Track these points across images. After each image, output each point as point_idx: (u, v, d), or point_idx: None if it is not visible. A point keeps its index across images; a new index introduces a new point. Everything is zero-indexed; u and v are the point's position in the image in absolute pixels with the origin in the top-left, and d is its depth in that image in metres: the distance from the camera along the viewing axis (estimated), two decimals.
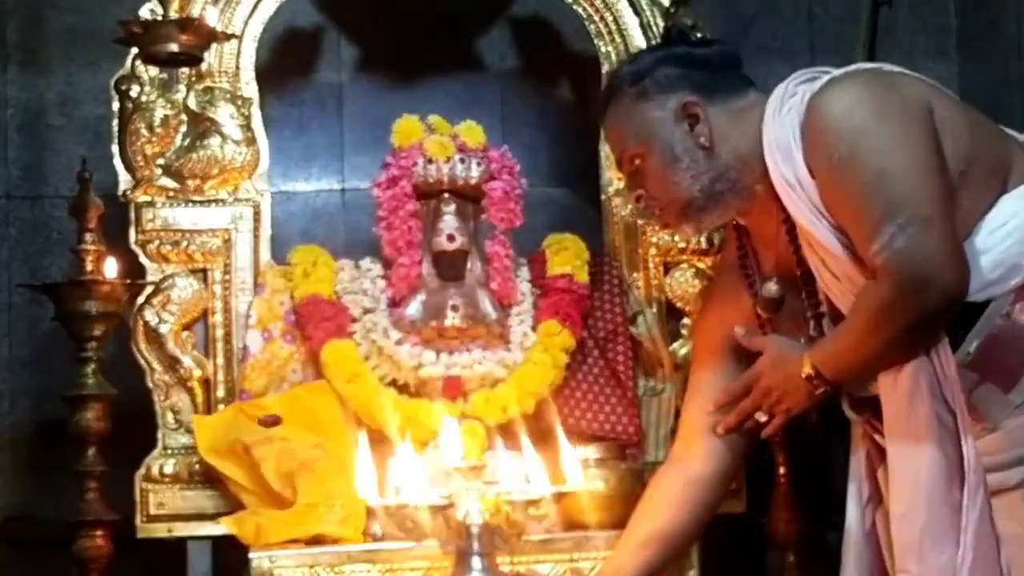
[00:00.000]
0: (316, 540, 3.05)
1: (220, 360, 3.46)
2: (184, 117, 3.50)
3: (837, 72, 2.51)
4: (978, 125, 2.47)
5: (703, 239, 3.61)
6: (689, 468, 2.83)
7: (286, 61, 3.92)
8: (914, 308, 2.32)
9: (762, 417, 2.65)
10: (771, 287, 2.67)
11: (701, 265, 3.62)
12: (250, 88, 3.56)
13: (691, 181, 2.61)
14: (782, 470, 3.55)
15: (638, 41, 3.66)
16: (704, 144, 2.59)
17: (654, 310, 3.57)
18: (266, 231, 3.54)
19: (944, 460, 2.37)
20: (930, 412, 2.38)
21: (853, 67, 2.55)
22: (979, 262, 2.35)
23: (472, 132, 3.44)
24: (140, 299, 3.43)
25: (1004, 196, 2.40)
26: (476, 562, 2.57)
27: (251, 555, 2.95)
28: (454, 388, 3.33)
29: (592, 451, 3.13)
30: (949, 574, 2.35)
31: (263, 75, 3.65)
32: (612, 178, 3.63)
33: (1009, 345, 2.35)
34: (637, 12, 3.68)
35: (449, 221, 3.39)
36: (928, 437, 2.38)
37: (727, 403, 2.69)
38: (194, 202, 3.49)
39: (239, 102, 3.52)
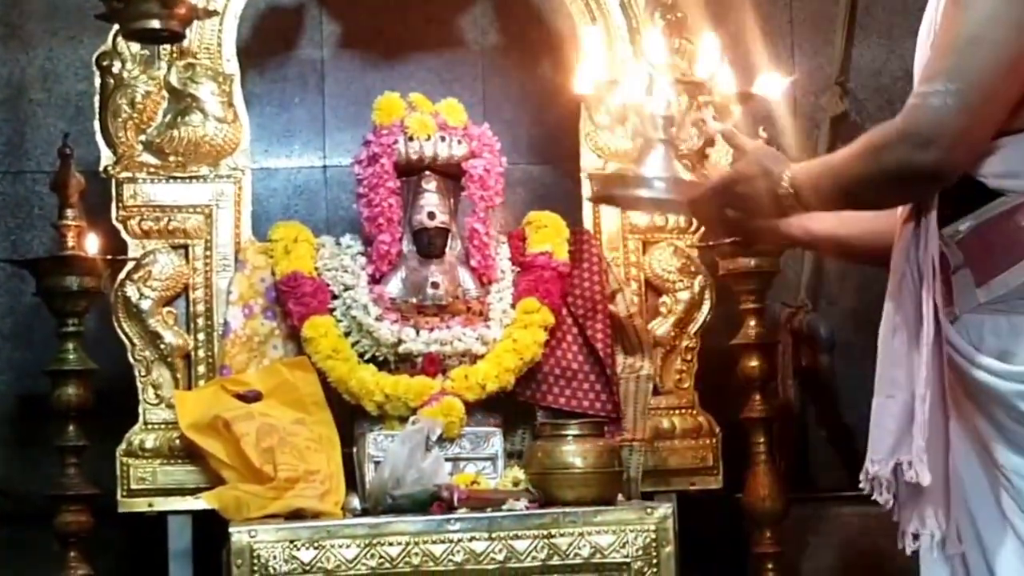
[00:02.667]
0: (296, 515, 3.06)
1: (201, 336, 3.47)
2: (166, 94, 3.51)
3: None
4: None
5: (681, 218, 3.62)
6: None
7: (267, 38, 3.92)
8: (903, 157, 2.31)
9: (733, 214, 2.63)
10: None
11: (680, 243, 3.64)
12: (231, 65, 3.56)
13: None
14: (759, 447, 3.58)
15: (618, 20, 3.67)
16: None
17: (633, 288, 3.59)
18: (247, 207, 3.55)
19: (897, 310, 2.42)
20: (902, 262, 2.42)
21: None
22: (1010, 152, 2.35)
23: (453, 110, 3.46)
24: (121, 275, 3.44)
25: None
26: (660, 148, 2.69)
27: (231, 530, 2.95)
28: (434, 364, 3.35)
29: (570, 428, 3.14)
30: (876, 415, 2.41)
31: (245, 52, 3.67)
32: (592, 155, 3.65)
33: (997, 243, 2.35)
34: None
35: (430, 198, 3.41)
36: (895, 287, 2.44)
37: (705, 202, 2.64)
38: (175, 178, 3.50)
39: (221, 79, 3.53)
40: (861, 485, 2.42)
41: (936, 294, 2.37)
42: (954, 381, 2.38)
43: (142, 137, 3.49)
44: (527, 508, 3.05)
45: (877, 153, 2.35)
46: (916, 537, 2.38)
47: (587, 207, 3.64)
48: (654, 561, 3.01)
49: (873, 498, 2.41)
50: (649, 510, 3.04)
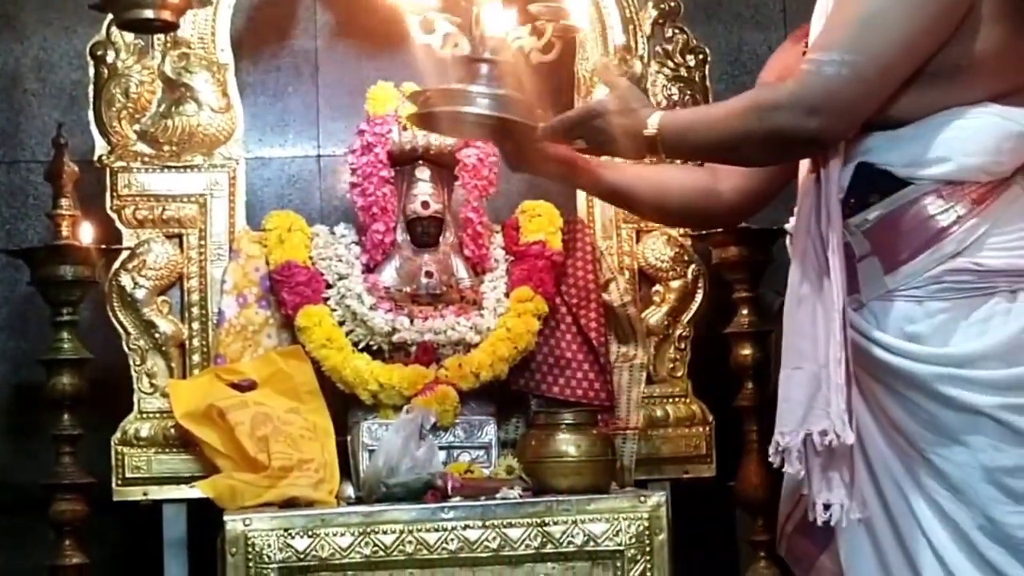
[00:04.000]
0: (290, 503, 3.07)
1: (195, 325, 3.48)
2: (160, 83, 3.51)
3: None
4: (1021, 44, 2.44)
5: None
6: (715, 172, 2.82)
7: (261, 27, 3.90)
8: (788, 121, 2.38)
9: (580, 145, 2.68)
10: None
11: (673, 232, 3.64)
12: (225, 54, 3.57)
13: None
14: (752, 435, 3.59)
15: (610, 5, 3.67)
16: None
17: (626, 277, 3.59)
18: (241, 197, 3.55)
19: (802, 282, 2.48)
20: (804, 235, 2.48)
21: None
22: (918, 140, 2.42)
23: None
24: (116, 264, 3.45)
25: (989, 103, 2.42)
26: (483, 68, 2.71)
27: (226, 518, 2.96)
28: (428, 353, 3.36)
29: (564, 416, 3.15)
30: (784, 387, 2.46)
31: (239, 42, 3.67)
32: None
33: (905, 231, 2.41)
34: None
35: (423, 187, 3.43)
36: (799, 261, 2.49)
37: (562, 129, 2.68)
38: (170, 168, 3.50)
39: (215, 68, 3.53)
40: (770, 458, 2.46)
41: (841, 259, 2.41)
42: (858, 364, 2.42)
43: (136, 127, 3.49)
44: (521, 496, 3.05)
45: (763, 113, 2.41)
46: (827, 507, 2.41)
47: (581, 196, 3.64)
48: (647, 549, 3.02)
49: (784, 470, 2.44)
50: (642, 498, 3.05)
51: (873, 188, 2.43)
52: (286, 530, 2.94)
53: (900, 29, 2.36)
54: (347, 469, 3.27)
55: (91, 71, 3.50)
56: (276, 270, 3.40)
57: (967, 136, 2.40)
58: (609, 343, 3.50)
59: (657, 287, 3.65)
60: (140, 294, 3.45)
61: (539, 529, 2.99)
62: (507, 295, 3.42)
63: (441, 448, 3.24)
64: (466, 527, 2.98)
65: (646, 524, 3.02)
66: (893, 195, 2.42)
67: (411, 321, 3.35)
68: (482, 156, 3.42)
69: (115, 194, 3.48)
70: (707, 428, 3.62)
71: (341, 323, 3.36)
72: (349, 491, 3.22)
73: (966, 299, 2.39)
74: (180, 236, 3.51)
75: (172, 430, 3.39)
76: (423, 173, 3.43)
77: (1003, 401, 2.35)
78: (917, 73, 2.40)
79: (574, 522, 3.00)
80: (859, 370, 2.44)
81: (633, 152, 2.60)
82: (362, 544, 2.95)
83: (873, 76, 2.36)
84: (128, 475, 3.40)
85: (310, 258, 3.43)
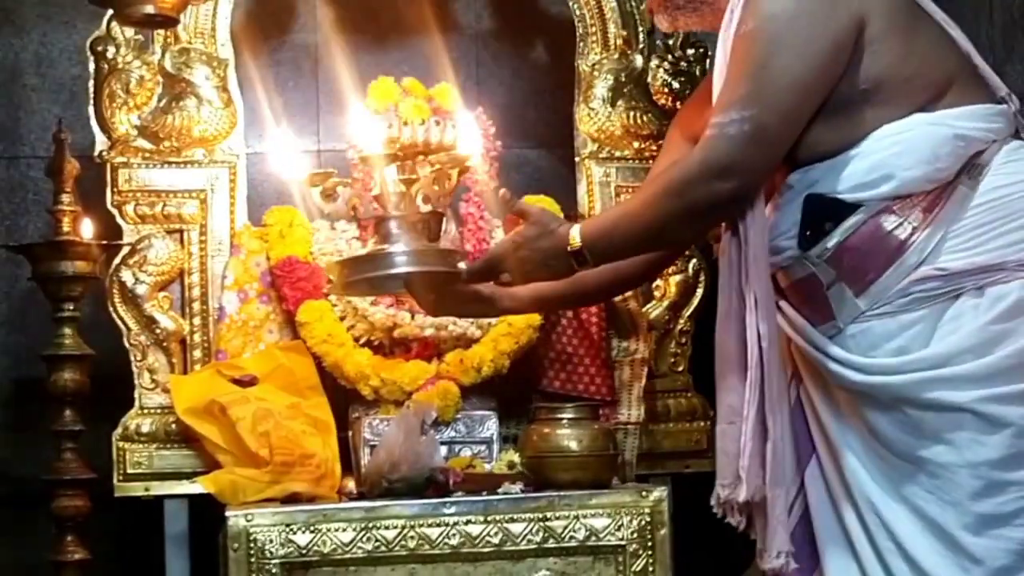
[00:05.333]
0: (291, 499, 3.08)
1: (197, 320, 3.48)
2: (160, 79, 3.51)
3: None
4: (922, 47, 2.50)
5: None
6: None
7: (261, 22, 3.91)
8: (706, 190, 2.43)
9: (507, 279, 2.74)
10: None
11: None
12: (226, 49, 3.56)
13: None
14: None
15: (611, 2, 3.67)
16: None
17: None
18: (242, 192, 3.55)
19: (725, 339, 2.53)
20: (727, 289, 2.53)
21: None
22: (858, 164, 2.46)
23: (446, 95, 3.46)
24: (117, 260, 3.45)
25: (917, 114, 2.46)
26: (393, 225, 2.82)
27: (227, 514, 2.96)
28: (429, 348, 3.36)
29: (565, 411, 3.15)
30: (720, 441, 2.56)
31: (239, 36, 3.66)
32: (587, 140, 3.65)
33: (866, 252, 2.45)
34: None
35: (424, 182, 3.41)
36: (722, 317, 2.54)
37: (486, 269, 2.75)
38: (170, 163, 3.50)
39: (215, 63, 3.53)
40: (714, 509, 2.52)
41: (761, 317, 2.46)
42: (841, 388, 2.47)
43: (136, 122, 3.49)
44: (522, 491, 3.06)
45: (680, 190, 2.46)
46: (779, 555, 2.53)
47: (582, 191, 3.64)
48: (649, 543, 3.02)
49: (727, 521, 2.50)
50: (644, 493, 3.06)
51: (826, 217, 2.48)
52: (288, 525, 2.94)
53: (791, 73, 2.41)
54: (348, 464, 3.27)
55: (91, 66, 3.50)
56: (277, 265, 3.40)
57: (902, 151, 2.44)
58: (610, 338, 3.50)
59: (658, 282, 3.65)
60: (141, 290, 3.45)
61: (541, 524, 3.00)
62: None
63: (442, 443, 3.24)
64: (468, 522, 2.98)
65: (648, 519, 3.03)
66: (847, 220, 2.47)
67: (412, 316, 3.35)
68: (482, 152, 3.42)
69: (116, 190, 3.47)
70: (708, 422, 3.61)
71: (342, 318, 3.36)
72: (351, 486, 3.22)
73: (937, 305, 2.43)
74: (181, 232, 3.50)
75: (173, 426, 3.39)
76: (423, 168, 3.42)
77: (980, 394, 2.38)
78: (834, 104, 2.45)
79: (576, 517, 3.00)
80: (841, 392, 2.50)
81: (563, 271, 2.65)
82: (364, 539, 2.95)
83: (774, 125, 2.42)
84: (129, 471, 3.39)
85: (311, 253, 3.43)
